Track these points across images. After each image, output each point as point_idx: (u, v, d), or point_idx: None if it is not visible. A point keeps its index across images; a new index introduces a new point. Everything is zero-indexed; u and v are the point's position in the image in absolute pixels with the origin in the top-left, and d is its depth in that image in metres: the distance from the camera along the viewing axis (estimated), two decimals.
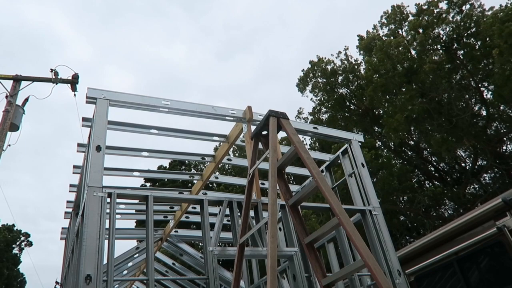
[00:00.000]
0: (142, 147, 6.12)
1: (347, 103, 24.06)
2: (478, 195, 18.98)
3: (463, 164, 21.39)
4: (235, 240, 4.42)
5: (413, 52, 20.24)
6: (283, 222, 4.92)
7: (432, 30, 19.13)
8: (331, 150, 16.03)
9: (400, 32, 21.09)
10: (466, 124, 17.89)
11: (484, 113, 19.57)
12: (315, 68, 23.68)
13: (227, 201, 4.79)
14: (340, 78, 23.65)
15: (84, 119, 4.90)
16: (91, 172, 4.07)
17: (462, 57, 19.27)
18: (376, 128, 23.33)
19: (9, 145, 9.83)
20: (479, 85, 19.26)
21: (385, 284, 2.70)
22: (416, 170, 21.99)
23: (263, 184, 6.86)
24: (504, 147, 20.14)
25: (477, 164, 20.42)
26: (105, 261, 3.72)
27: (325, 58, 23.72)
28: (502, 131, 19.49)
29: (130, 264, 8.54)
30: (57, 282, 12.54)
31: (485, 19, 17.61)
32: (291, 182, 18.25)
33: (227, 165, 22.67)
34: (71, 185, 6.85)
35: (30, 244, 35.23)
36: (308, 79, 24.08)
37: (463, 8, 18.87)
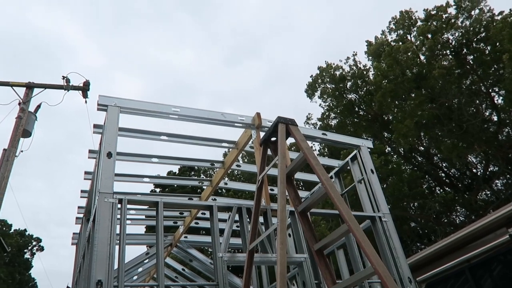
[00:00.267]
0: (150, 152, 6.16)
1: (356, 109, 23.99)
2: (490, 202, 18.71)
3: (474, 170, 21.13)
4: (245, 246, 4.42)
5: (422, 57, 20.14)
6: (293, 228, 4.92)
7: (441, 35, 19.04)
8: (340, 156, 15.97)
9: (409, 38, 21.02)
10: (477, 130, 17.70)
11: (495, 118, 19.36)
12: (324, 73, 23.69)
13: (236, 207, 4.81)
14: (349, 83, 23.62)
15: (95, 126, 4.97)
16: (102, 178, 4.11)
17: (472, 62, 19.12)
18: (386, 133, 23.20)
19: (22, 151, 9.97)
20: (490, 90, 19.07)
21: None
22: (427, 176, 21.78)
23: (272, 190, 6.87)
24: None
25: (489, 170, 20.17)
26: (115, 267, 3.75)
27: (334, 64, 23.74)
28: None
29: (140, 269, 8.58)
30: (68, 287, 12.62)
31: (494, 24, 17.48)
32: (301, 188, 18.21)
33: (236, 171, 22.70)
34: (82, 191, 6.92)
35: (41, 249, 35.57)
36: (316, 84, 24.09)
37: (472, 13, 18.77)
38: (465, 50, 19.09)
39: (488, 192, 20.24)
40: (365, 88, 23.32)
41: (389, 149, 22.76)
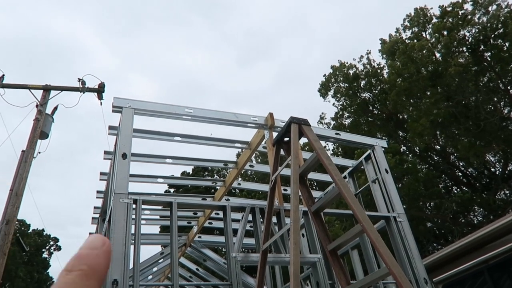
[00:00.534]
0: (164, 153, 6.22)
1: (370, 108, 23.76)
2: (509, 201, 18.31)
3: (492, 169, 20.71)
4: (258, 246, 4.43)
5: (437, 55, 19.83)
6: (306, 228, 4.90)
7: (457, 32, 18.71)
8: (354, 155, 15.84)
9: (424, 35, 20.72)
10: (495, 128, 17.34)
11: None
12: (337, 72, 23.54)
13: (249, 207, 4.81)
14: (363, 82, 23.41)
15: (110, 128, 5.03)
16: (117, 179, 4.17)
17: (489, 59, 18.74)
18: (400, 132, 22.91)
19: (39, 153, 10.19)
20: (508, 87, 18.67)
21: None
22: (443, 175, 21.43)
23: (285, 190, 6.86)
24: None
25: (508, 169, 19.73)
26: (131, 266, 3.80)
27: (347, 63, 23.57)
28: None
29: (155, 269, 8.66)
30: None
31: None
32: (314, 188, 18.13)
33: (249, 171, 22.73)
34: (98, 191, 7.02)
35: (59, 248, 36.25)
36: (330, 84, 23.94)
37: (489, 9, 18.39)
38: (482, 47, 18.72)
39: (507, 192, 19.81)
40: (379, 87, 23.08)
41: (404, 148, 22.48)
